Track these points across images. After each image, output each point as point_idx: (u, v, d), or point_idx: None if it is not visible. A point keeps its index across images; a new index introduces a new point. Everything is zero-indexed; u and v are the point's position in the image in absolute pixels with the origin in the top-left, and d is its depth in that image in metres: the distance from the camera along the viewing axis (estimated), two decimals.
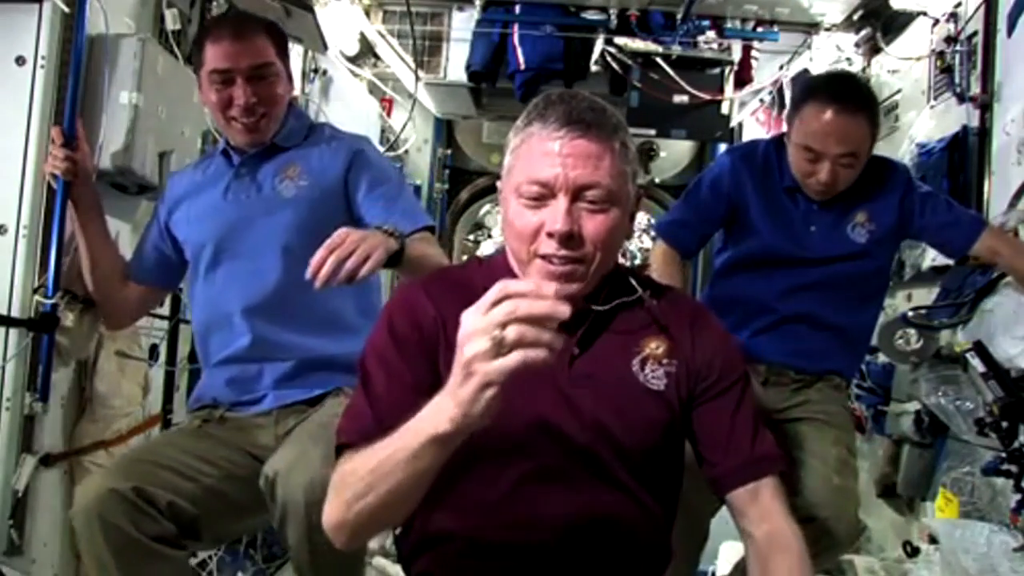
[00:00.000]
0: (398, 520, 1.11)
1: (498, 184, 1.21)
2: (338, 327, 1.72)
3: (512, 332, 0.81)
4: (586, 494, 1.11)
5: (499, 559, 1.10)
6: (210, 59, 1.70)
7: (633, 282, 1.20)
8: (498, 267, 1.18)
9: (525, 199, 1.09)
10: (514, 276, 1.14)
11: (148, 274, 1.88)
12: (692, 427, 1.18)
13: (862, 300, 2.02)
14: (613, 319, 1.17)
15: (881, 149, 3.19)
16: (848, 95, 1.86)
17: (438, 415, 0.88)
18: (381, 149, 3.64)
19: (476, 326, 0.83)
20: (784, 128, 2.00)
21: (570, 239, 1.07)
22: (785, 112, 2.21)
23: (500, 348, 0.81)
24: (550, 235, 1.07)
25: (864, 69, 3.42)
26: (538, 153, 1.08)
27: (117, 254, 1.92)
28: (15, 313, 1.83)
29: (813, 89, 1.93)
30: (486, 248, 6.10)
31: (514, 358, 0.81)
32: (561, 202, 1.07)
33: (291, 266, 1.65)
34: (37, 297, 1.85)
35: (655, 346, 1.16)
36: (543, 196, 1.08)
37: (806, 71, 3.46)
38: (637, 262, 7.85)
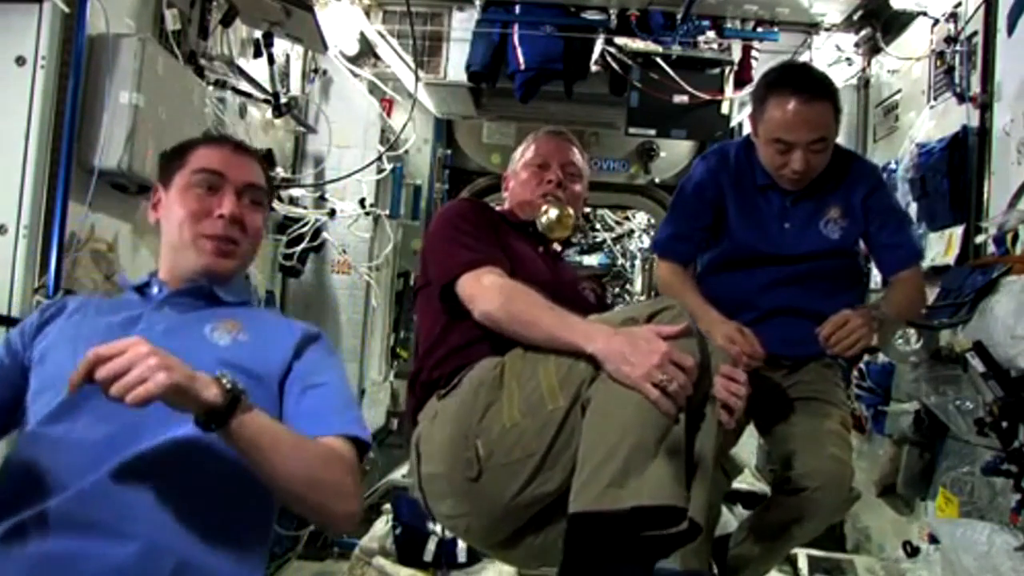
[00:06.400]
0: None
1: (509, 172, 2.09)
2: (228, 535, 1.22)
3: (672, 382, 1.33)
4: None
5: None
6: (199, 159, 1.44)
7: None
8: (503, 215, 2.00)
9: (533, 168, 2.01)
10: (515, 218, 1.99)
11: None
12: None
13: (841, 287, 2.08)
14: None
15: (881, 149, 3.21)
16: (807, 84, 1.91)
17: (592, 336, 1.43)
18: (381, 149, 3.65)
19: (655, 361, 1.34)
20: (750, 128, 2.03)
21: (559, 186, 1.98)
22: (748, 112, 2.22)
23: (660, 375, 1.32)
24: (550, 182, 1.98)
25: (864, 69, 3.42)
26: (543, 142, 2.05)
27: None
28: (15, 313, 1.83)
29: (772, 85, 1.95)
30: None
31: (654, 393, 1.32)
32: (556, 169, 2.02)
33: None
34: (37, 297, 1.85)
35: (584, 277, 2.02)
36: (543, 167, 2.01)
37: None
38: (637, 262, 7.87)
